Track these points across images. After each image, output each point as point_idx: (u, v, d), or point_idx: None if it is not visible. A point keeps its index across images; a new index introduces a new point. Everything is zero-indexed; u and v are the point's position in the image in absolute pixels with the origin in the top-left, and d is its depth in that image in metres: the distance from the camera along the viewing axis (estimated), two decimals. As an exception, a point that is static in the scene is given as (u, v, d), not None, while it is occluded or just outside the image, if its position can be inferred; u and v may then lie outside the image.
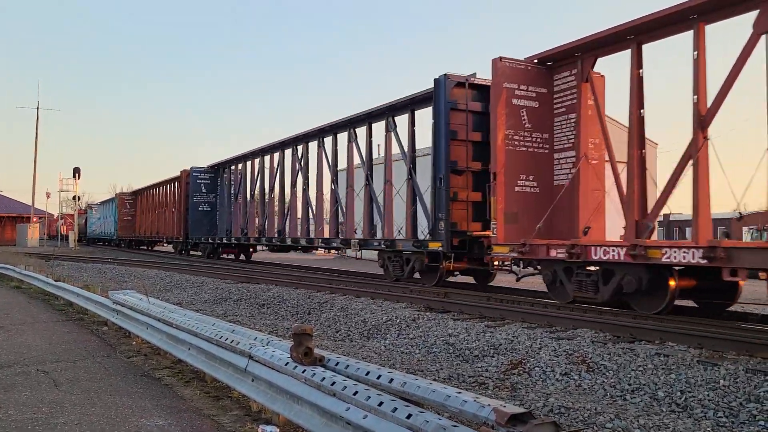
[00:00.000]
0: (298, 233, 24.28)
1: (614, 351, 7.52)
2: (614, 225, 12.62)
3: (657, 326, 8.53)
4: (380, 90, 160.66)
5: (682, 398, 6.21)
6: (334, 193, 20.70)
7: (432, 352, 8.86)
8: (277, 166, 25.36)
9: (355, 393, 4.11)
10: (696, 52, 9.94)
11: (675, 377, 6.58)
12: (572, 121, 12.80)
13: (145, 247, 48.19)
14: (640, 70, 11.00)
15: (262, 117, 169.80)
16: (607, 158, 12.18)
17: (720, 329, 8.32)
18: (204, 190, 33.03)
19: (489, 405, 3.42)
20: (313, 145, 22.23)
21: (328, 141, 20.94)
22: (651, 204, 10.90)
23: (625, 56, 11.20)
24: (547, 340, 8.29)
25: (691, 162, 9.82)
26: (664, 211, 12.13)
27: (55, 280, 15.69)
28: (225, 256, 32.36)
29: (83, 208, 72.78)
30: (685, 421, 5.62)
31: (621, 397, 6.50)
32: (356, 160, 19.17)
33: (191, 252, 35.60)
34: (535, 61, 13.09)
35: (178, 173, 35.38)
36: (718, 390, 6.16)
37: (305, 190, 23.20)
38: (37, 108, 56.85)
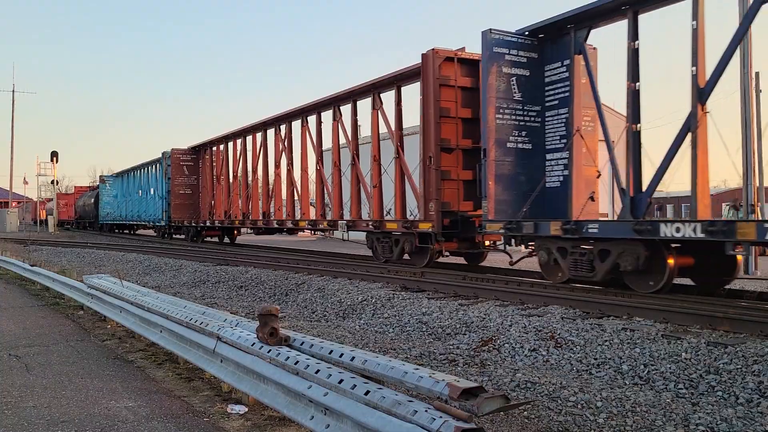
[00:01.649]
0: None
1: (582, 327, 7.67)
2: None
3: (625, 302, 8.69)
4: (366, 68, 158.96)
5: (645, 371, 6.36)
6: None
7: (405, 331, 8.96)
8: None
9: (317, 371, 4.18)
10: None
11: (639, 351, 6.73)
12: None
13: (218, 239, 29.67)
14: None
15: (243, 97, 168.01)
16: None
17: (685, 304, 8.49)
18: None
19: (443, 380, 3.51)
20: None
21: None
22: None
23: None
24: (518, 317, 8.42)
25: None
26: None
27: (31, 265, 15.58)
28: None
29: (92, 183, 63.67)
30: (646, 393, 5.77)
31: (586, 372, 6.64)
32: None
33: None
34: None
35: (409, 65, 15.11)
36: (680, 363, 6.32)
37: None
38: (13, 91, 55.75)
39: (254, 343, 5.09)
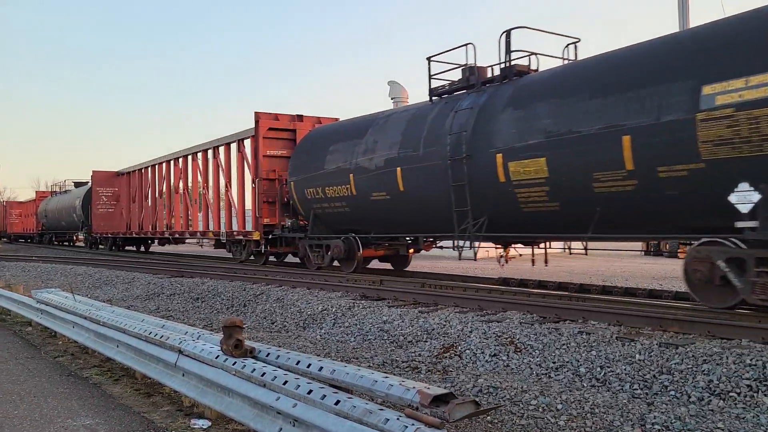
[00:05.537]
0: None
1: (540, 331, 7.83)
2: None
3: (580, 306, 8.92)
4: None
5: (601, 373, 6.55)
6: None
7: (367, 340, 8.98)
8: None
9: (285, 383, 4.17)
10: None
11: (595, 354, 6.92)
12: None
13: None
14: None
15: (188, 111, 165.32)
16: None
17: (637, 307, 8.78)
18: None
19: (414, 388, 3.55)
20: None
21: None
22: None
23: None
24: (478, 323, 8.54)
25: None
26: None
27: (-26, 281, 14.94)
28: None
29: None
30: (603, 394, 5.95)
31: (546, 375, 6.80)
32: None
33: None
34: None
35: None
36: (635, 364, 6.53)
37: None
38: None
39: (218, 356, 5.03)
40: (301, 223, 17.18)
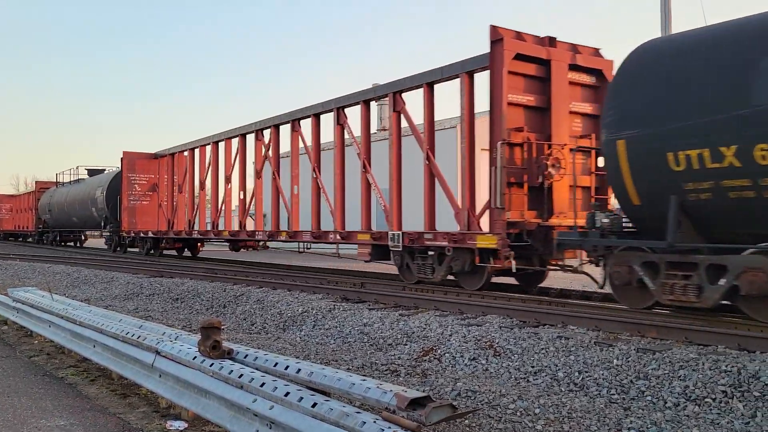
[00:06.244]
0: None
1: (520, 335, 7.87)
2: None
3: (560, 311, 8.98)
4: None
5: (579, 378, 6.59)
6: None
7: (347, 342, 8.97)
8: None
9: (263, 384, 4.15)
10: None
11: (574, 358, 6.97)
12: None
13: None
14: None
15: (180, 106, 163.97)
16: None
17: (616, 312, 8.86)
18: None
19: (391, 391, 3.55)
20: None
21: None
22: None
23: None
24: (458, 326, 8.56)
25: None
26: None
27: (-52, 278, 14.70)
28: None
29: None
30: (581, 399, 5.99)
31: (524, 379, 6.83)
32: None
33: None
34: None
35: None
36: (612, 369, 6.58)
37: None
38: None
39: (195, 357, 5.00)
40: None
